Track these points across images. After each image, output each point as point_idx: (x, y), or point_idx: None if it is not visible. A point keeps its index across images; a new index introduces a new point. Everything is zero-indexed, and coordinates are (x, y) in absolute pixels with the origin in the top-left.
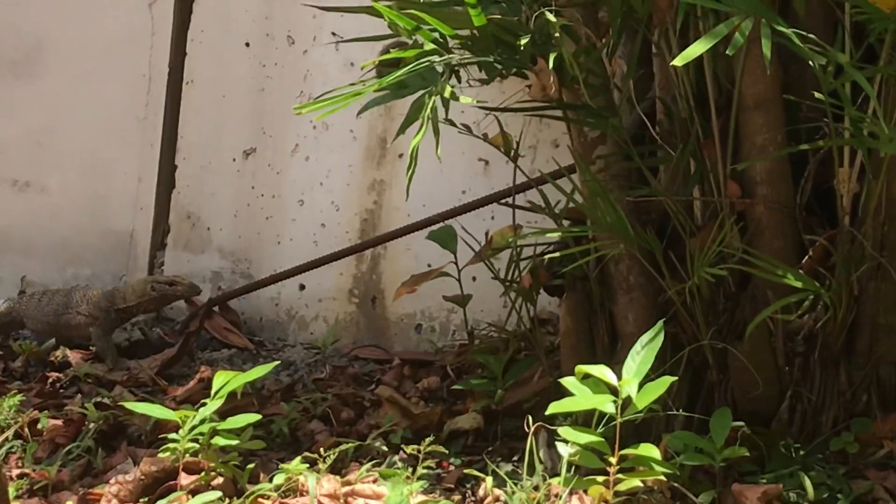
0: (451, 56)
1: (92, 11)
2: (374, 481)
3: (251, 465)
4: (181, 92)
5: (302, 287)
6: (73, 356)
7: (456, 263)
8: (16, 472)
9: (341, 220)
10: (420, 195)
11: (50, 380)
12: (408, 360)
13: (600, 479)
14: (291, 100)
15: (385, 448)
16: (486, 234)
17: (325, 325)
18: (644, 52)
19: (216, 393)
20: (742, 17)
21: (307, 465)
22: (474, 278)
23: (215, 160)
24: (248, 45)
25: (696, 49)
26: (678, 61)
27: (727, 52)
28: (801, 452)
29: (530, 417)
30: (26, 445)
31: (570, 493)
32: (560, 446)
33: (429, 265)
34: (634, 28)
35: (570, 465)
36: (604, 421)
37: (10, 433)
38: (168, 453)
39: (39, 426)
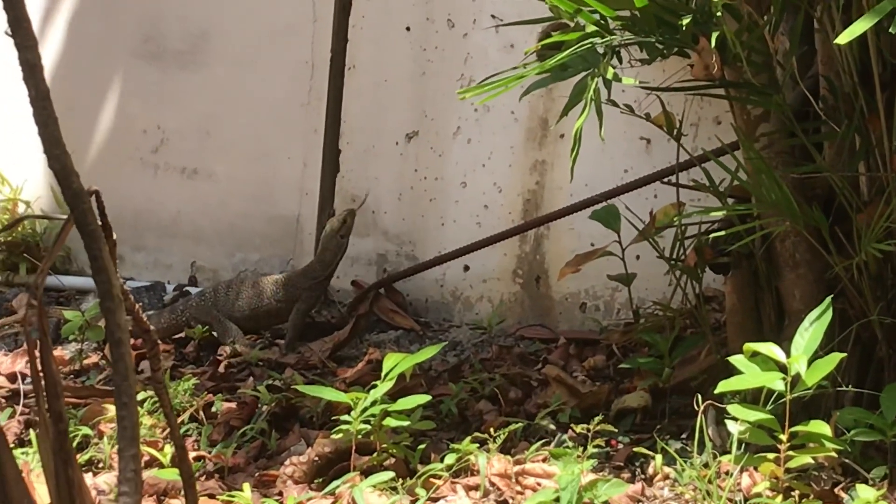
0: (612, 37)
1: (255, 1)
2: (545, 460)
3: (422, 446)
4: (343, 77)
5: (466, 268)
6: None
7: (619, 242)
8: (192, 454)
9: (504, 201)
10: (582, 175)
11: (222, 363)
12: (573, 340)
13: (771, 456)
14: (452, 83)
15: (553, 427)
16: (651, 212)
17: (489, 306)
18: (806, 29)
19: (386, 375)
20: None
21: (477, 445)
22: (638, 257)
23: (378, 144)
24: (408, 29)
25: (860, 27)
26: (842, 39)
27: (890, 30)
28: None
29: (699, 395)
30: (201, 428)
31: (741, 471)
32: (729, 424)
33: (592, 244)
34: (796, 4)
35: (739, 442)
36: (773, 398)
37: (185, 416)
38: (340, 435)
39: (213, 409)
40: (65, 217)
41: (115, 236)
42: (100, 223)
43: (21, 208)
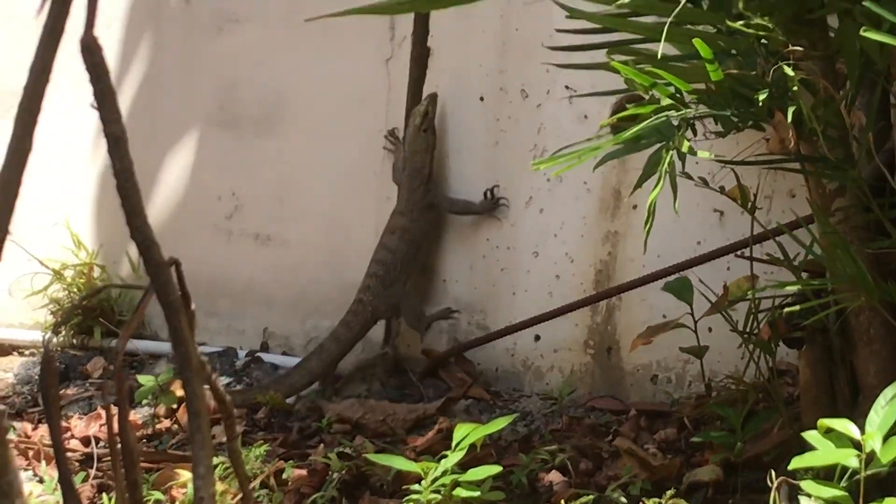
0: (687, 111)
1: (331, 69)
2: None
3: None
4: None
5: (537, 338)
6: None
7: (692, 314)
8: None
9: (575, 271)
10: (655, 246)
11: (293, 430)
12: (644, 411)
13: None
14: (525, 153)
15: (624, 500)
16: (724, 285)
17: (560, 376)
18: (883, 103)
19: (457, 445)
20: None
21: None
22: (710, 329)
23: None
24: (482, 99)
25: None
26: None
27: None
28: None
29: (772, 471)
30: (272, 495)
31: None
32: (803, 500)
33: (664, 316)
34: (873, 79)
35: None
36: (847, 475)
37: (256, 483)
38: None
39: (284, 476)
40: (143, 287)
41: (193, 306)
42: (179, 293)
43: (97, 272)
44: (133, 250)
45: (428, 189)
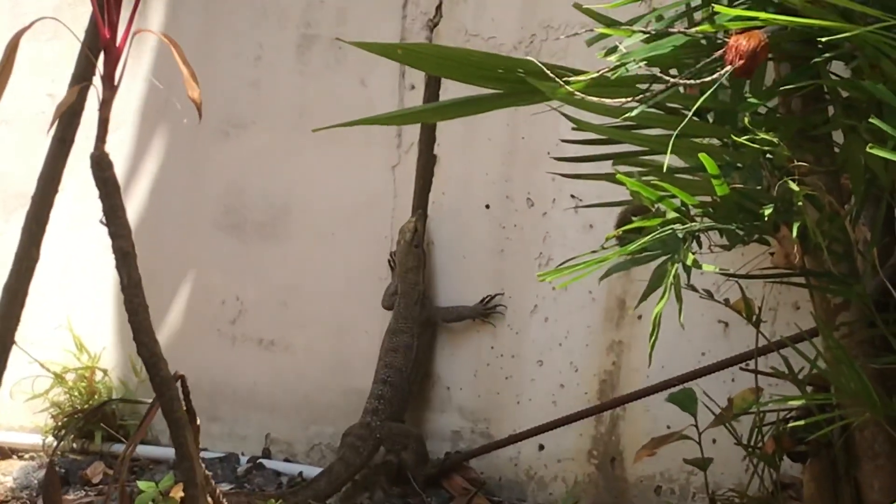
0: (692, 224)
1: (337, 175)
2: None
3: None
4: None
5: (541, 447)
6: None
7: (696, 426)
8: None
9: (580, 380)
10: (659, 357)
11: None
12: None
13: None
14: (530, 261)
15: None
16: (728, 397)
17: (564, 486)
18: (887, 219)
19: None
20: None
21: None
22: (714, 441)
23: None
24: (487, 207)
25: None
26: None
27: None
28: None
29: None
30: None
31: None
32: None
33: (668, 427)
34: (877, 195)
35: None
36: None
37: None
38: None
39: None
40: (148, 402)
41: (199, 421)
42: (184, 409)
43: (98, 375)
44: (136, 353)
45: (423, 304)
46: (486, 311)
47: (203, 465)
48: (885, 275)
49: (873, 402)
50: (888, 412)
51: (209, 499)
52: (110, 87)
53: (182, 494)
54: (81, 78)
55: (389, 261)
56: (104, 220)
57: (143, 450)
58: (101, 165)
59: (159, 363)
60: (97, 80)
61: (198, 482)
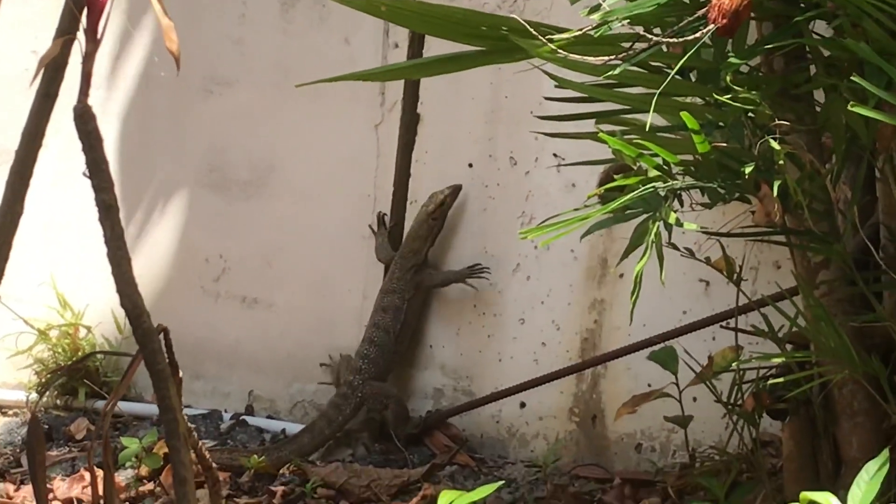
0: (674, 182)
1: (320, 133)
2: None
3: None
4: (405, 211)
5: (523, 405)
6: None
7: (677, 384)
8: None
9: (562, 339)
10: (641, 315)
11: (277, 494)
12: (628, 480)
13: None
14: (513, 220)
15: None
16: (709, 355)
17: (545, 443)
18: (868, 178)
19: None
20: None
21: None
22: (695, 399)
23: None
24: (470, 165)
25: None
26: None
27: None
28: None
29: None
30: None
31: None
32: None
33: (649, 385)
34: (858, 154)
35: None
36: None
37: None
38: None
39: None
40: (131, 354)
41: (181, 374)
42: (167, 361)
43: (82, 332)
44: (119, 310)
45: (420, 271)
46: (470, 273)
47: (186, 419)
48: (866, 233)
49: (852, 359)
50: (867, 370)
51: (192, 452)
52: (93, 41)
53: (165, 451)
54: (65, 32)
55: (379, 221)
56: (87, 173)
57: (126, 406)
58: (83, 118)
59: (142, 315)
60: (81, 36)
61: (180, 434)
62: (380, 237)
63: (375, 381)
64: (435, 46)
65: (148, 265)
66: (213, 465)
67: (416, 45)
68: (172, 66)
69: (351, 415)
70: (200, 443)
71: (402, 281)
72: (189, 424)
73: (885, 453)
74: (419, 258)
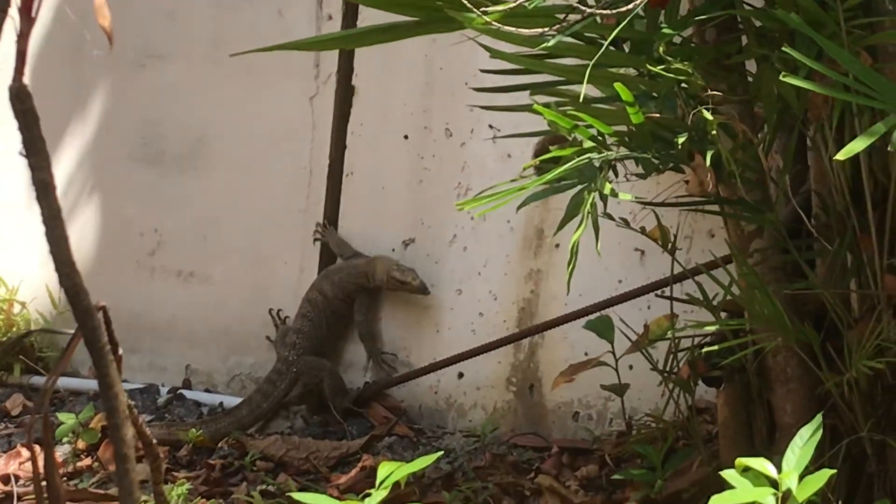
0: (609, 153)
1: (254, 106)
2: None
3: None
4: (341, 184)
5: (460, 375)
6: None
7: (613, 353)
8: None
9: (499, 309)
10: (577, 285)
11: (215, 467)
12: (566, 449)
13: None
14: (449, 191)
15: None
16: (644, 324)
17: (483, 413)
18: (799, 147)
19: (381, 483)
20: None
21: None
22: (631, 367)
23: (375, 250)
24: (406, 137)
25: (856, 146)
26: (840, 156)
27: (888, 149)
28: None
29: None
30: None
31: None
32: None
33: (586, 354)
34: (790, 123)
35: None
36: None
37: None
38: None
39: None
40: (70, 332)
41: (120, 351)
42: (107, 339)
43: (16, 308)
44: (54, 286)
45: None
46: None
47: (126, 396)
48: (798, 202)
49: (786, 327)
50: (800, 337)
51: (132, 428)
52: (28, 20)
53: (102, 425)
54: None
55: (318, 228)
56: (24, 153)
57: (62, 381)
58: (20, 98)
59: (81, 294)
60: (14, 13)
61: (121, 411)
62: (331, 236)
63: (310, 356)
64: (369, 18)
65: (82, 240)
66: (154, 441)
67: (349, 16)
68: (105, 43)
69: (287, 389)
70: (141, 419)
71: (340, 284)
72: (129, 401)
73: (819, 418)
74: (360, 271)
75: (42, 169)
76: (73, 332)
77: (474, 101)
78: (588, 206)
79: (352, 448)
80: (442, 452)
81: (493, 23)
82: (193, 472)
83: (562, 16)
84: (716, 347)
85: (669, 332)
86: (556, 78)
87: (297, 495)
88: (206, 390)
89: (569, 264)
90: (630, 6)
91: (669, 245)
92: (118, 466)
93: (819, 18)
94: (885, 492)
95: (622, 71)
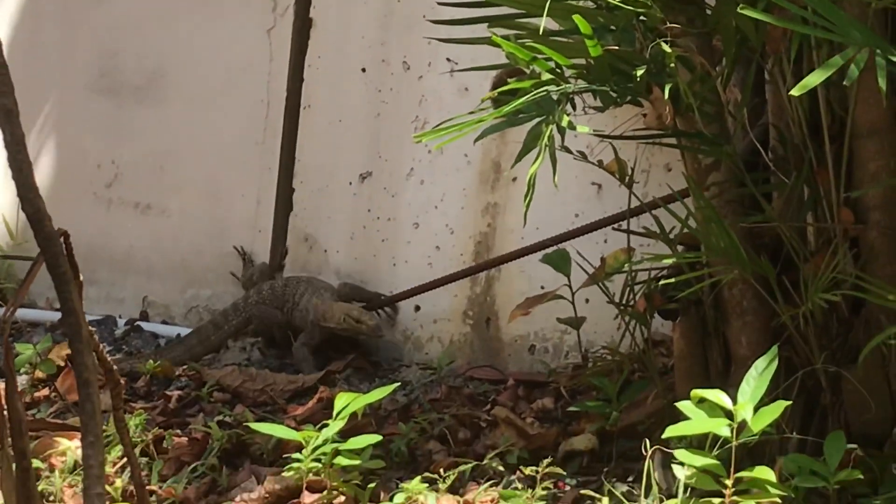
0: (567, 86)
1: (211, 38)
2: (493, 501)
3: (372, 485)
4: (298, 117)
5: (417, 308)
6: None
7: (569, 286)
8: None
9: (456, 242)
10: (534, 218)
11: (172, 398)
12: (522, 381)
13: (716, 501)
14: (406, 125)
15: (502, 468)
16: (601, 257)
17: (439, 346)
18: (757, 80)
19: (338, 414)
20: (857, 49)
21: (426, 485)
22: (588, 300)
23: (332, 184)
24: (364, 70)
25: (813, 80)
26: (796, 91)
27: (844, 82)
28: None
29: (646, 440)
30: (152, 463)
31: None
32: (676, 468)
33: (542, 287)
34: (748, 57)
35: (685, 486)
36: (719, 444)
37: (136, 451)
38: (291, 472)
39: (164, 444)
40: (31, 258)
41: (81, 277)
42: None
43: None
44: (11, 217)
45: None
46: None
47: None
48: (755, 135)
49: (742, 259)
50: (756, 269)
51: (94, 354)
52: None
53: (60, 356)
54: None
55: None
56: None
57: (19, 313)
58: None
59: (43, 219)
60: None
61: (83, 336)
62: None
63: (267, 307)
64: None
65: (38, 172)
66: (114, 367)
67: None
68: None
69: (238, 326)
70: (101, 345)
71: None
72: (91, 328)
73: (774, 351)
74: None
75: (5, 94)
76: (34, 258)
77: (432, 33)
78: (545, 138)
79: (308, 381)
80: (398, 384)
81: None
82: (150, 403)
83: None
84: (672, 280)
85: (626, 266)
86: (515, 11)
87: (254, 425)
88: (164, 322)
89: (526, 197)
90: None
91: (627, 179)
92: (80, 391)
93: None
94: (840, 423)
95: (581, 3)
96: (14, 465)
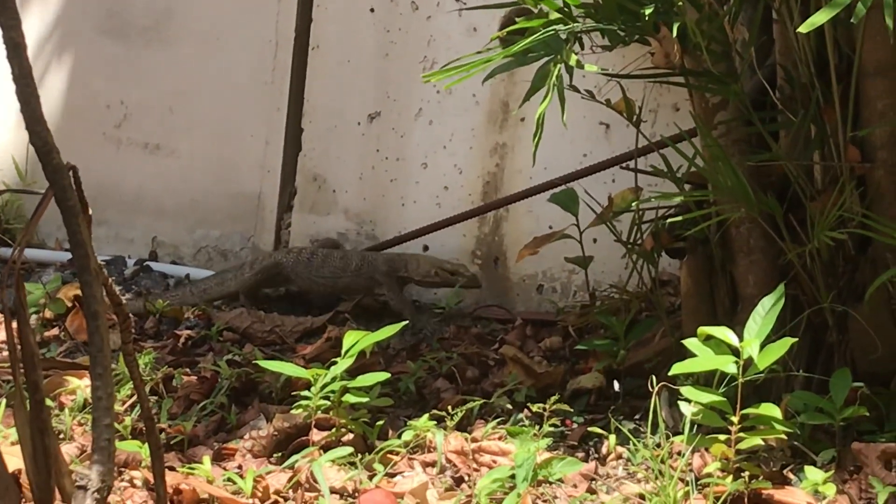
0: (575, 24)
1: None
2: (501, 438)
3: (380, 422)
4: (307, 57)
5: (426, 248)
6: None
7: (577, 225)
8: None
9: (464, 182)
10: (542, 158)
11: (181, 338)
12: (530, 320)
13: (722, 437)
14: (415, 65)
15: (509, 406)
16: (609, 196)
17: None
18: (765, 19)
19: (346, 352)
20: None
21: (434, 423)
22: (595, 240)
23: (341, 124)
24: (372, 10)
25: (820, 17)
26: (804, 28)
27: (851, 20)
28: None
29: (653, 377)
30: (161, 402)
31: (693, 451)
32: (682, 405)
33: (550, 227)
34: None
35: (692, 423)
36: (725, 381)
37: (146, 389)
38: (300, 410)
39: (174, 383)
40: (40, 192)
41: (90, 211)
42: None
43: None
44: (20, 156)
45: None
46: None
47: (96, 255)
48: (763, 74)
49: (749, 198)
50: (763, 208)
51: (102, 287)
52: None
53: (69, 295)
54: None
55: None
56: None
57: (29, 253)
58: None
59: (52, 152)
60: None
61: (92, 269)
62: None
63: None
64: None
65: (48, 112)
66: (123, 301)
67: None
68: None
69: (240, 287)
70: (110, 279)
71: (382, 274)
72: (99, 262)
73: (781, 289)
74: (402, 280)
75: (12, 27)
76: (42, 192)
77: None
78: (554, 78)
79: (316, 323)
80: (407, 322)
81: None
82: (160, 342)
83: None
84: (679, 219)
85: (633, 205)
86: None
87: (263, 363)
88: (173, 262)
89: (534, 137)
90: None
91: (634, 118)
92: (89, 324)
93: None
94: (845, 361)
95: None
96: (27, 398)
